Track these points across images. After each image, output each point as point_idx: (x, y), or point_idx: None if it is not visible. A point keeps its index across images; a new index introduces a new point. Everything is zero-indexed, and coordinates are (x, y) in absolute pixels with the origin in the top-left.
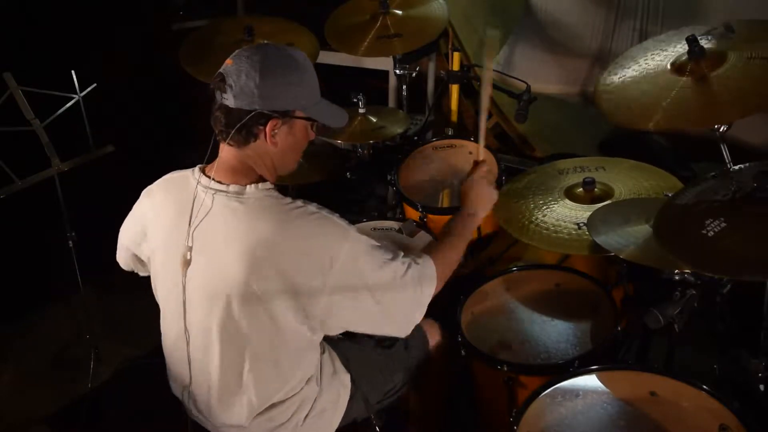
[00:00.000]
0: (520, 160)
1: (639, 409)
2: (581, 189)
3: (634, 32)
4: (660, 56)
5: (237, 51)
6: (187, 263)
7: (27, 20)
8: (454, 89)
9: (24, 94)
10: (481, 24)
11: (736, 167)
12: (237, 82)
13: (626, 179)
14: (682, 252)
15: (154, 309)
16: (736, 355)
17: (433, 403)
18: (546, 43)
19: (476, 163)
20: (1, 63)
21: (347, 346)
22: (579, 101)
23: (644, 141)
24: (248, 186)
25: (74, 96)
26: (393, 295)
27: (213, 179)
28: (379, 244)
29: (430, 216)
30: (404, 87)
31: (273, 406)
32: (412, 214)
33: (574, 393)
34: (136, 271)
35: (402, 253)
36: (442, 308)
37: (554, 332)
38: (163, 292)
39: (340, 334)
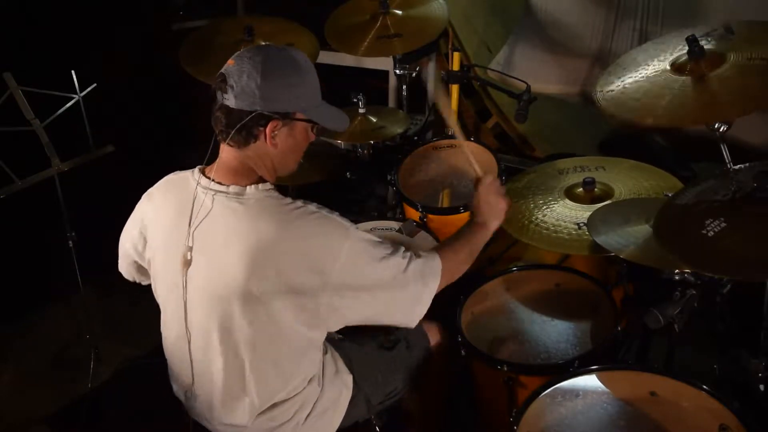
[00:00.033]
0: (520, 160)
1: (639, 409)
2: (581, 189)
3: (634, 32)
4: (660, 57)
5: (239, 51)
6: (187, 263)
7: (27, 20)
8: (454, 89)
9: (24, 94)
10: (481, 24)
11: (736, 167)
12: (238, 83)
13: (626, 179)
14: (682, 252)
15: (154, 309)
16: (736, 355)
17: (433, 403)
18: (546, 43)
19: (478, 180)
20: (1, 63)
21: (350, 347)
22: (579, 101)
23: (644, 141)
24: (248, 187)
25: (74, 96)
26: (394, 291)
27: (213, 180)
28: (379, 240)
29: (430, 216)
30: (404, 87)
31: (275, 405)
32: (412, 214)
33: (574, 393)
34: (138, 282)
35: (404, 248)
36: (442, 308)
37: (554, 332)
38: (163, 292)
39: (342, 335)
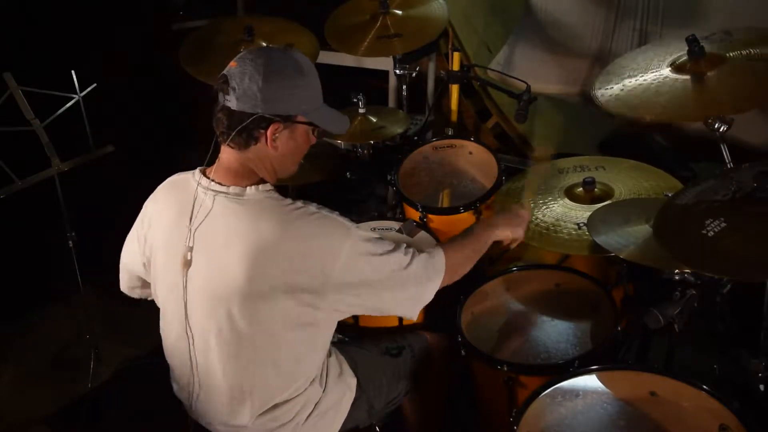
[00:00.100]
0: (520, 160)
1: (639, 409)
2: (581, 189)
3: (634, 32)
4: (660, 57)
5: (241, 53)
6: (187, 264)
7: (27, 20)
8: (454, 89)
9: (24, 94)
10: (481, 24)
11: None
12: (240, 85)
13: (626, 179)
14: (682, 252)
15: (154, 309)
16: (736, 355)
17: (433, 403)
18: (546, 43)
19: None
20: (1, 63)
21: (355, 351)
22: (579, 101)
23: (644, 141)
24: (248, 187)
25: (74, 96)
26: (395, 288)
27: (213, 180)
28: (381, 238)
29: (430, 216)
30: (404, 87)
31: (276, 406)
32: (412, 214)
33: (574, 393)
34: (143, 296)
35: (405, 244)
36: (442, 308)
37: (554, 332)
38: (163, 293)
39: (348, 338)
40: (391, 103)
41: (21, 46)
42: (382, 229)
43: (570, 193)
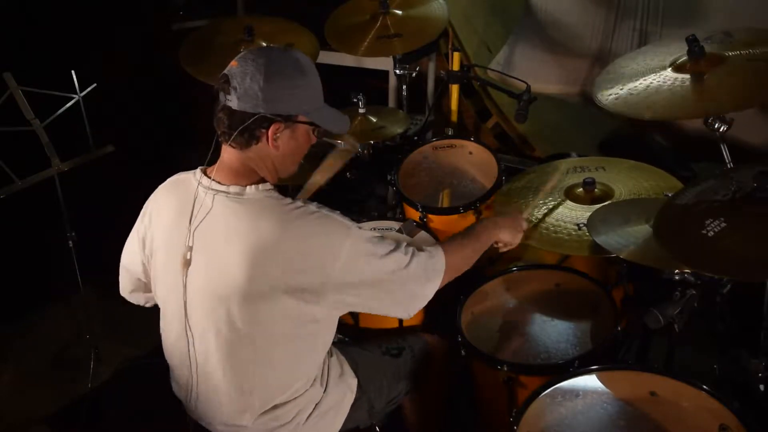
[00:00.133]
0: (520, 160)
1: (639, 409)
2: (581, 189)
3: (634, 32)
4: (660, 57)
5: (242, 53)
6: (187, 263)
7: (27, 20)
8: (454, 89)
9: (24, 94)
10: (481, 24)
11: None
12: (241, 85)
13: (626, 179)
14: (682, 252)
15: (154, 309)
16: (736, 355)
17: (433, 403)
18: (546, 43)
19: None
20: (1, 63)
21: (356, 351)
22: (579, 101)
23: (644, 141)
24: (248, 187)
25: (74, 96)
26: (395, 287)
27: (214, 180)
28: (381, 237)
29: (430, 216)
30: (404, 87)
31: (276, 406)
32: (412, 214)
33: (574, 393)
34: (142, 302)
35: (405, 243)
36: (442, 308)
37: (554, 332)
38: (162, 292)
39: (348, 338)
40: (391, 103)
41: (21, 46)
42: (382, 229)
43: (570, 194)
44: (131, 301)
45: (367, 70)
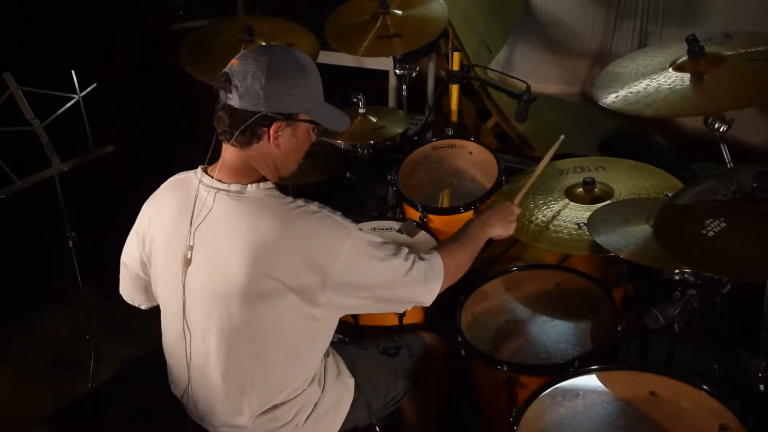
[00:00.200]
0: (520, 160)
1: (639, 409)
2: (581, 189)
3: (634, 32)
4: (660, 58)
5: (243, 51)
6: (187, 263)
7: (27, 20)
8: (454, 89)
9: (24, 94)
10: (481, 24)
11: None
12: (243, 83)
13: (626, 179)
14: (682, 252)
15: (154, 309)
16: (736, 355)
17: (433, 403)
18: (546, 43)
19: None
20: (1, 63)
21: (353, 352)
22: (579, 101)
23: (644, 141)
24: (249, 185)
25: (74, 96)
26: (395, 291)
27: (215, 178)
28: (381, 241)
29: (430, 216)
30: (404, 87)
31: (275, 406)
32: (412, 214)
33: (574, 393)
34: (142, 304)
35: (407, 249)
36: (442, 308)
37: (554, 332)
38: (163, 292)
39: (346, 339)
40: (391, 103)
41: (21, 46)
42: (382, 229)
43: (570, 194)
44: (130, 303)
45: (367, 70)
